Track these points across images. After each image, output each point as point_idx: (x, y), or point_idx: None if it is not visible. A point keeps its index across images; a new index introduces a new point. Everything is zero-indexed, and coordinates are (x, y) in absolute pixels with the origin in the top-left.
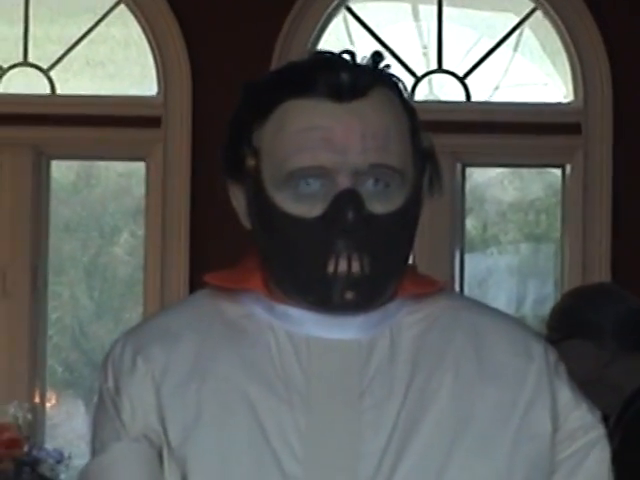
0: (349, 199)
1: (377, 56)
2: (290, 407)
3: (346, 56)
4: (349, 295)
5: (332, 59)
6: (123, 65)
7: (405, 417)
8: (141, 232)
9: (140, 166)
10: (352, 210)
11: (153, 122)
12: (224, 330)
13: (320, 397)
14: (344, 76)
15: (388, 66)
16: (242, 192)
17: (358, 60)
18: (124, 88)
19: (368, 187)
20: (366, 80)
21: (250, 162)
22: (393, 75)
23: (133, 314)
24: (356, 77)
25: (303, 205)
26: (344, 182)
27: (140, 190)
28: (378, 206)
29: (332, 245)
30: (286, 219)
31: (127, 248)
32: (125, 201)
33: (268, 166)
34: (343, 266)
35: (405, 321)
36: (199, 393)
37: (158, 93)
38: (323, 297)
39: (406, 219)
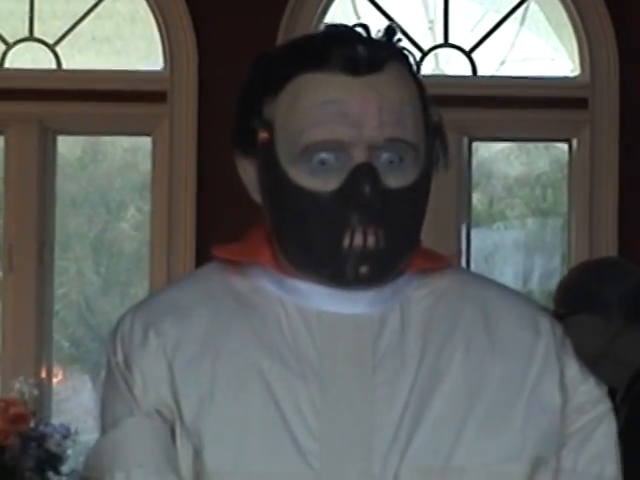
0: (366, 173)
1: (391, 30)
2: (304, 382)
3: (360, 29)
4: (363, 269)
5: (348, 32)
6: (129, 40)
7: (417, 392)
8: (147, 207)
9: (146, 141)
10: (369, 184)
11: (159, 97)
12: (235, 304)
13: (333, 372)
14: (360, 49)
15: (400, 40)
16: (252, 165)
17: (372, 34)
18: (130, 63)
19: (383, 161)
20: (382, 54)
21: (262, 135)
22: (406, 49)
23: (139, 289)
24: (372, 51)
25: (318, 179)
26: (360, 156)
27: (146, 165)
28: (392, 180)
29: (348, 219)
30: (300, 193)
31: (133, 223)
32: (131, 176)
33: (282, 140)
34: (359, 240)
35: (414, 296)
36: (213, 368)
37: (164, 68)
38: (337, 271)
39: (419, 194)
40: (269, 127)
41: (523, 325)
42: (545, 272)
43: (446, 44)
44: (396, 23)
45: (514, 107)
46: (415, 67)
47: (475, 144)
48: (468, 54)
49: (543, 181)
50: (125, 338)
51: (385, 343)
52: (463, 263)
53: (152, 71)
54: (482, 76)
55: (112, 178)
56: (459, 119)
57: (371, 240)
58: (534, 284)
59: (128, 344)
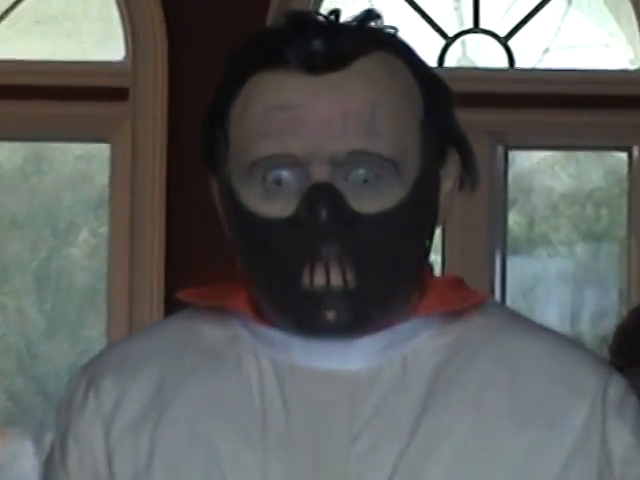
0: (322, 195)
1: (368, 16)
2: (262, 452)
3: (331, 17)
4: (330, 315)
5: (305, 23)
6: (81, 23)
7: (407, 464)
8: (104, 229)
9: (103, 148)
10: (326, 208)
11: (119, 94)
12: (197, 358)
13: (301, 440)
14: (317, 43)
15: (389, 27)
16: (218, 186)
17: (345, 22)
18: (83, 52)
19: (353, 180)
20: (348, 47)
21: (221, 150)
22: (392, 37)
23: (94, 331)
24: (333, 43)
25: (274, 203)
26: (320, 174)
27: (103, 178)
28: (368, 203)
29: (306, 252)
30: (254, 220)
31: (87, 249)
32: (85, 191)
33: (234, 155)
34: (320, 278)
35: (426, 347)
36: (153, 436)
37: (125, 58)
38: (300, 317)
39: (408, 218)
40: (226, 139)
41: (562, 384)
42: (598, 311)
43: (476, 29)
44: (415, 4)
45: (560, 107)
46: (417, 58)
47: (512, 153)
48: (503, 41)
49: (596, 198)
50: (69, 399)
51: (372, 406)
52: (496, 299)
53: (111, 62)
54: (520, 69)
55: (61, 193)
56: (492, 122)
57: (336, 278)
58: (584, 326)
59: (69, 406)
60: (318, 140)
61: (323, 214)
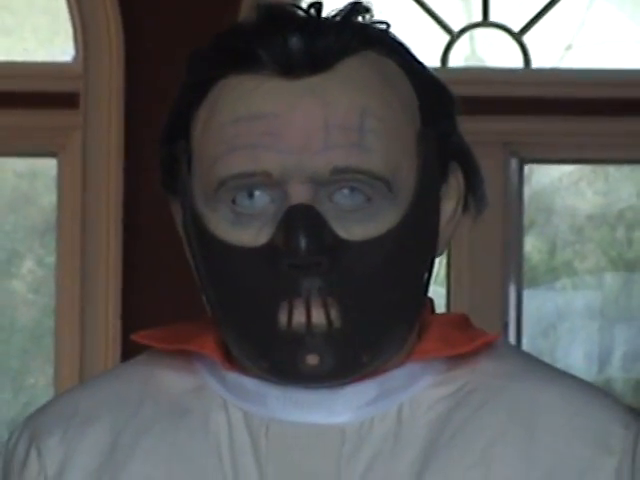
0: (302, 219)
1: (355, 9)
2: None
3: (311, 11)
4: (312, 359)
5: (281, 18)
6: (23, 17)
7: None
8: (52, 259)
9: (50, 164)
10: (306, 235)
11: (68, 100)
12: (156, 412)
13: None
14: (295, 42)
15: (379, 23)
16: (179, 210)
17: (333, 17)
18: (25, 51)
19: (338, 201)
20: (331, 45)
21: (183, 168)
22: (383, 34)
23: (40, 378)
24: (314, 42)
25: (246, 230)
26: (299, 195)
27: (49, 198)
28: (356, 229)
29: (283, 287)
30: (222, 250)
31: (31, 282)
32: (28, 214)
33: (198, 174)
34: (300, 317)
35: (425, 397)
36: None
37: (75, 58)
38: (277, 363)
39: (402, 246)
40: (189, 155)
41: (582, 442)
42: (631, 352)
43: (485, 23)
44: None
45: (585, 114)
46: (411, 58)
47: (529, 167)
48: (517, 37)
49: (628, 219)
50: (7, 460)
51: (361, 467)
52: (511, 340)
53: (58, 63)
54: (538, 69)
55: (0, 217)
56: (505, 131)
57: (318, 316)
58: (615, 369)
59: (9, 467)
60: (296, 155)
61: (303, 242)
